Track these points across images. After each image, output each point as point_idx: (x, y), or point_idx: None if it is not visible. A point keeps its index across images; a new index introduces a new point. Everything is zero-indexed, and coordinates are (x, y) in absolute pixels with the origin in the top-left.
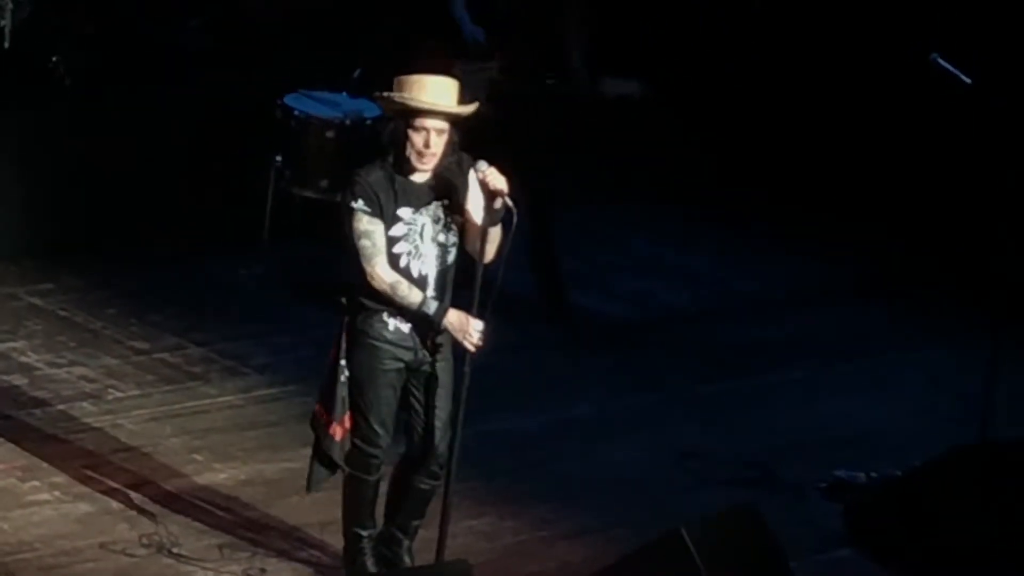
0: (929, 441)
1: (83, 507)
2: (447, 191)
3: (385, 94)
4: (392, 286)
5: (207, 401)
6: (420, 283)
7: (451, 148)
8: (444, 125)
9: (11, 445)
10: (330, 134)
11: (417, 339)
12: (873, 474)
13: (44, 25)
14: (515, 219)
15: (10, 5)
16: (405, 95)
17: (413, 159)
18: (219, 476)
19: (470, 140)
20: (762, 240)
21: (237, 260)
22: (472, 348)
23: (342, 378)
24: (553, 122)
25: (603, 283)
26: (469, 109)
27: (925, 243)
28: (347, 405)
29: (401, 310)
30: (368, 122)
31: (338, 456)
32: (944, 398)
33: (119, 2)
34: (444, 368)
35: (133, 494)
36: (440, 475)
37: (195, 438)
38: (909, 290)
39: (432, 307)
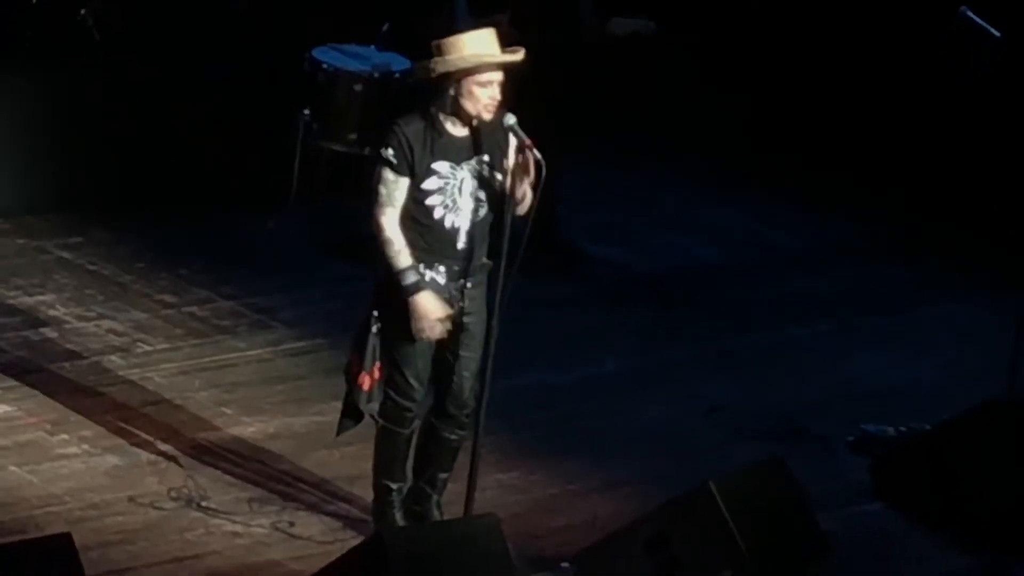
0: (958, 397)
1: (112, 460)
2: (489, 146)
3: (439, 59)
4: (385, 240)
5: (236, 355)
6: (452, 235)
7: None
8: (501, 75)
9: (40, 398)
10: (358, 87)
11: (453, 291)
12: (901, 428)
13: None
14: (543, 172)
15: None
16: (468, 54)
17: (479, 111)
18: (248, 429)
19: None
20: (793, 195)
21: (266, 214)
22: (421, 336)
23: (374, 329)
24: (567, 72)
25: (633, 238)
26: (522, 54)
27: (956, 200)
28: (376, 356)
29: (434, 260)
30: (396, 75)
31: (364, 406)
32: (974, 354)
33: None
34: (476, 320)
35: (162, 447)
36: (468, 426)
37: (224, 391)
38: (940, 247)
39: (409, 279)
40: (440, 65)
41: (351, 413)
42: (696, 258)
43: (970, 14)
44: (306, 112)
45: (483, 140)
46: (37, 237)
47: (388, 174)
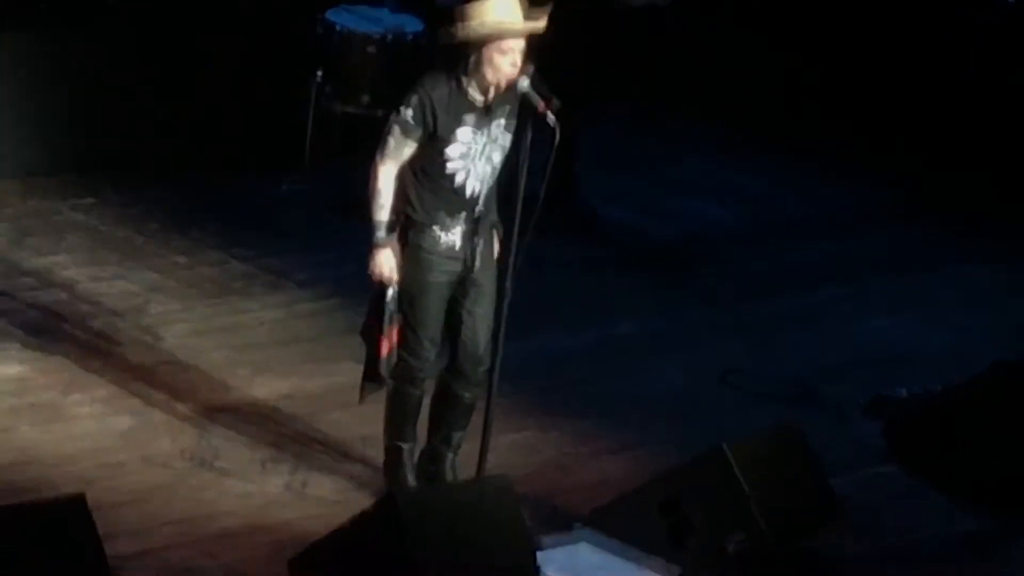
0: (971, 360)
1: (125, 420)
2: (503, 111)
3: (462, 24)
4: (375, 190)
5: (249, 315)
6: (472, 201)
7: None
8: (523, 42)
9: (54, 359)
10: (371, 49)
11: (468, 250)
12: (915, 390)
13: None
14: (557, 136)
15: None
16: (490, 21)
17: (499, 79)
18: (261, 390)
19: None
20: (807, 160)
21: (279, 175)
22: (371, 275)
23: (391, 292)
24: (585, 38)
25: (649, 201)
26: (544, 22)
27: (967, 164)
28: (393, 319)
29: (451, 222)
30: (409, 38)
31: (384, 370)
32: (986, 316)
33: None
34: (488, 276)
35: (175, 408)
36: (481, 384)
37: (237, 352)
38: (952, 211)
39: (378, 233)
40: (462, 31)
41: (373, 376)
42: (711, 223)
43: None
44: (319, 74)
45: (500, 103)
46: (50, 198)
47: (399, 131)
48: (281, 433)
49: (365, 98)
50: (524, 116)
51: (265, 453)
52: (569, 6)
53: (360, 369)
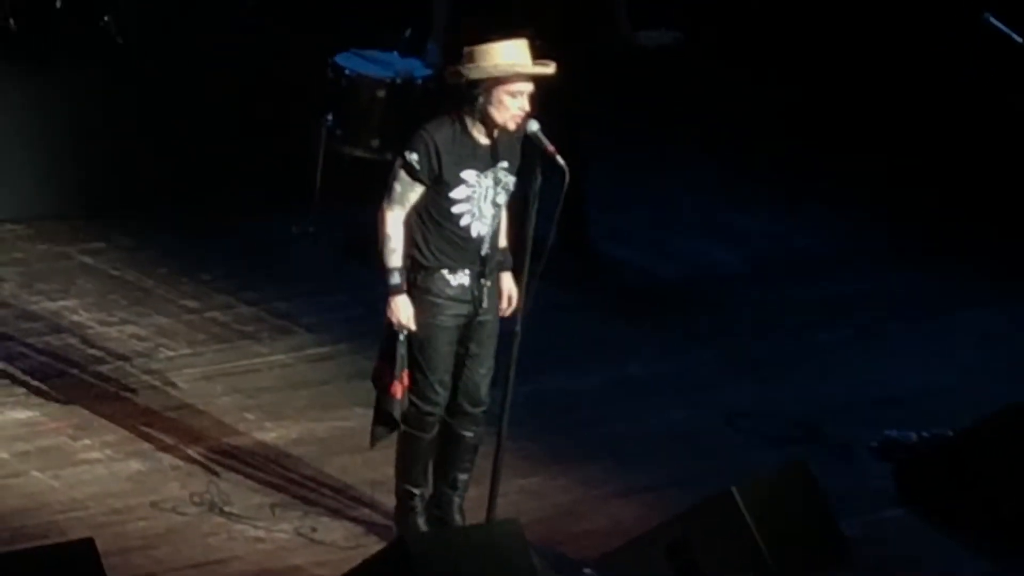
0: (981, 402)
1: (134, 465)
2: (507, 153)
3: (472, 65)
4: (385, 236)
5: (258, 360)
6: (478, 243)
7: None
8: (531, 86)
9: (63, 403)
10: (381, 93)
11: (476, 292)
12: (924, 433)
13: None
14: (567, 179)
15: None
16: (501, 63)
17: (508, 123)
18: (270, 435)
19: None
20: (815, 199)
21: (288, 219)
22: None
23: (401, 336)
24: (592, 83)
25: (655, 241)
26: (554, 67)
27: (979, 205)
28: (406, 363)
29: (459, 265)
30: (419, 81)
31: (398, 413)
32: (997, 359)
33: None
34: (493, 317)
35: (184, 452)
36: (483, 423)
37: (246, 397)
38: (961, 251)
39: (394, 279)
40: (475, 72)
41: (385, 421)
42: (719, 262)
43: (993, 20)
44: (329, 118)
45: (502, 145)
46: (60, 242)
47: (406, 176)
48: (291, 478)
49: (375, 142)
50: (533, 158)
51: (275, 498)
52: (576, 46)
53: (370, 414)
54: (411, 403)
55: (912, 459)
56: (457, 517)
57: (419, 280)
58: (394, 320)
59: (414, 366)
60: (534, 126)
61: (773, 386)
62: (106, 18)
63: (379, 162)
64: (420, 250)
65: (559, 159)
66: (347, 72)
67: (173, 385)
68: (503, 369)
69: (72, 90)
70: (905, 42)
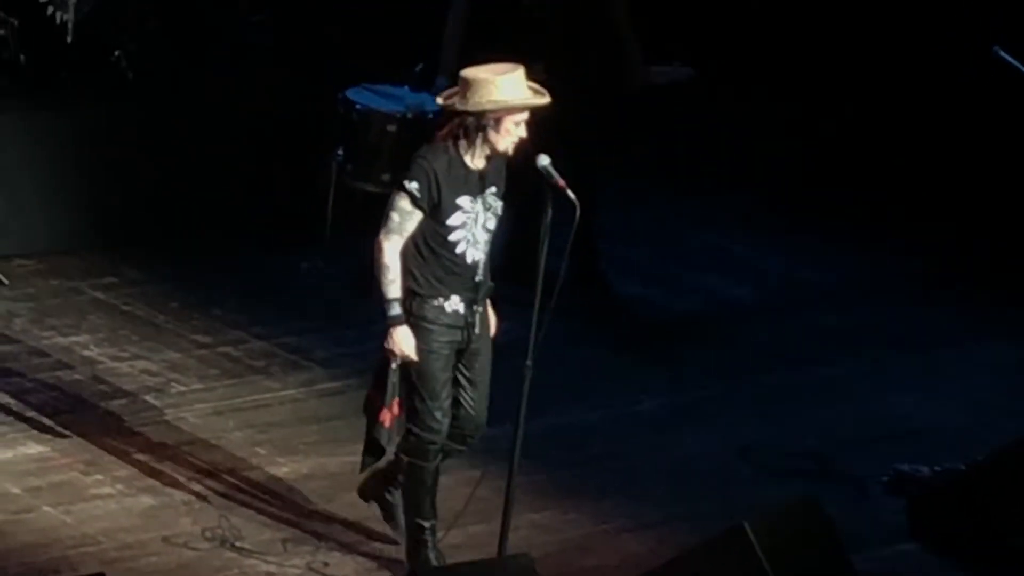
0: (991, 436)
1: (146, 500)
2: (495, 178)
3: (475, 97)
4: (383, 266)
5: (269, 395)
6: (472, 269)
7: None
8: (527, 114)
9: (74, 439)
10: (392, 128)
11: (470, 318)
12: (936, 468)
13: (107, 19)
14: (577, 213)
15: None
16: (499, 98)
17: (508, 147)
18: (282, 469)
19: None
20: (824, 232)
21: (299, 254)
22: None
23: (393, 365)
24: (603, 118)
25: (666, 275)
26: (548, 98)
27: (986, 238)
28: (397, 391)
29: (453, 292)
30: (430, 116)
31: (386, 442)
32: (1006, 393)
33: None
34: (486, 342)
35: (196, 487)
36: (470, 442)
37: (258, 431)
38: (970, 284)
39: (393, 310)
40: (474, 104)
41: (373, 450)
42: (728, 296)
43: (1002, 54)
44: (339, 152)
45: (492, 172)
46: (71, 277)
47: (406, 204)
48: (302, 513)
49: (385, 176)
50: (543, 193)
51: (286, 533)
52: (585, 80)
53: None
54: (412, 434)
55: (924, 493)
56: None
57: (414, 307)
58: (396, 351)
59: (413, 395)
60: (544, 160)
61: (784, 420)
62: (116, 53)
63: (390, 197)
64: (415, 278)
65: (570, 193)
66: (358, 107)
67: (184, 420)
68: (514, 403)
69: (82, 125)
70: (913, 76)
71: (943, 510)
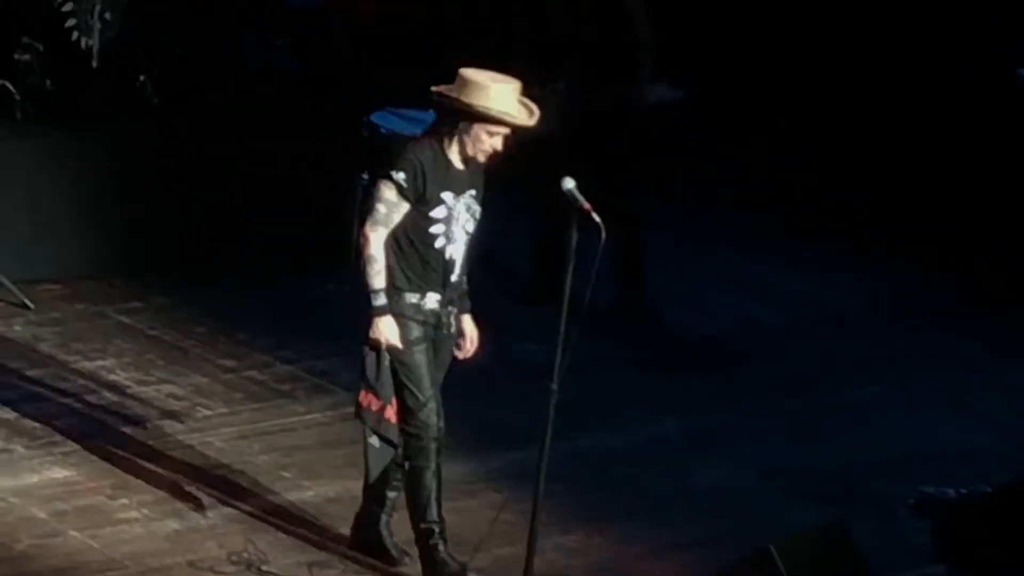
0: (1016, 458)
1: (172, 524)
2: (475, 181)
3: (464, 99)
4: (369, 257)
5: (295, 419)
6: (449, 266)
7: None
8: (507, 130)
9: (101, 463)
10: None
11: (444, 317)
12: (962, 490)
13: (132, 45)
14: (603, 236)
15: (98, 25)
16: (492, 106)
17: (478, 156)
18: (307, 493)
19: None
20: (847, 255)
21: (324, 278)
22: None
23: (385, 362)
24: (628, 135)
25: (691, 298)
26: (536, 120)
27: (1008, 259)
28: (393, 387)
29: (428, 288)
30: None
31: (395, 437)
32: None
33: (206, 22)
34: (449, 346)
35: (222, 511)
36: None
37: (283, 455)
38: (995, 306)
39: (379, 300)
40: (461, 103)
41: (385, 445)
42: (752, 319)
43: None
44: (364, 176)
45: (474, 175)
46: (97, 302)
47: (392, 195)
48: (328, 536)
49: None
50: (569, 215)
51: (312, 556)
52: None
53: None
54: (409, 434)
55: (950, 516)
56: (385, 534)
57: (392, 303)
58: (381, 340)
59: (403, 391)
60: (569, 183)
61: (809, 443)
62: (142, 78)
63: (376, 187)
64: (392, 272)
65: (595, 216)
66: (382, 130)
67: (210, 444)
68: (541, 426)
69: (108, 150)
70: (937, 102)
71: (970, 532)
